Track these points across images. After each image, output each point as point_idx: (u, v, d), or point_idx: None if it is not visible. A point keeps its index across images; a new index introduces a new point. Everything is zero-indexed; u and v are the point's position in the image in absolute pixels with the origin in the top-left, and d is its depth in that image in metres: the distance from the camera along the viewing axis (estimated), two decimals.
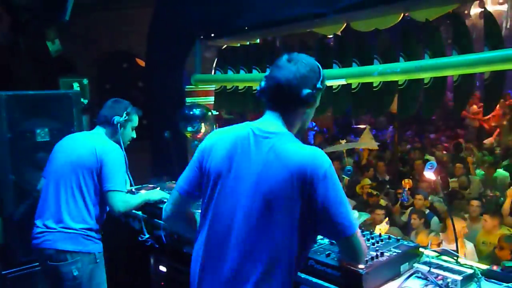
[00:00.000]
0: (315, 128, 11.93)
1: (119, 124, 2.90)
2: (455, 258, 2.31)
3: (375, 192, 5.93)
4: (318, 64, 1.82)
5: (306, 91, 1.73)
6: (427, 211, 5.52)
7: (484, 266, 2.21)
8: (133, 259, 3.60)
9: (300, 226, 1.68)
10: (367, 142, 7.14)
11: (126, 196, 2.83)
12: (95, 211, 2.82)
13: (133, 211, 3.54)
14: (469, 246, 4.50)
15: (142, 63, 8.81)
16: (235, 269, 1.71)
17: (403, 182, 5.85)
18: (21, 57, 6.82)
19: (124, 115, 2.93)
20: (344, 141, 8.07)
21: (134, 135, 3.09)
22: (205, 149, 1.89)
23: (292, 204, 1.66)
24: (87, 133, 3.00)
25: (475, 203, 5.30)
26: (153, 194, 3.23)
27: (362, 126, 11.65)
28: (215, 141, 1.88)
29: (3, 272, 3.55)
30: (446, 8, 3.20)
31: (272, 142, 1.73)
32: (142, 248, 3.40)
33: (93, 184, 2.79)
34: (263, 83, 1.82)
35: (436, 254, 2.38)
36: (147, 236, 3.26)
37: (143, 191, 3.42)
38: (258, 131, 1.78)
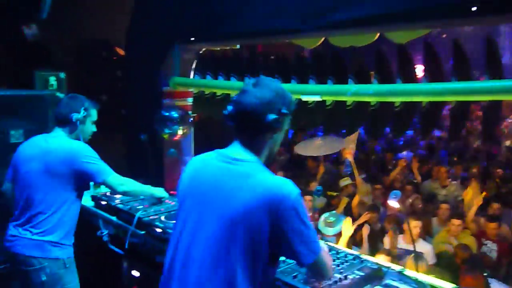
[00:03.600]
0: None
1: (78, 121, 2.90)
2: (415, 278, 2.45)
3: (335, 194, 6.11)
4: (284, 89, 1.84)
5: (271, 116, 1.74)
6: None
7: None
8: (105, 263, 3.65)
9: (262, 251, 1.71)
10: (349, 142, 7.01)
11: (120, 179, 2.94)
12: (66, 217, 2.86)
13: (93, 209, 3.64)
14: (428, 247, 4.68)
15: (122, 52, 8.68)
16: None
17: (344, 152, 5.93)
18: None
19: (82, 111, 2.92)
20: (319, 139, 7.94)
21: (95, 129, 3.09)
22: (179, 182, 1.96)
23: (256, 230, 1.69)
24: (48, 137, 2.94)
25: (444, 206, 5.49)
26: (158, 191, 3.40)
27: None
28: (186, 171, 1.97)
29: None
30: (419, 32, 3.29)
31: (241, 170, 1.77)
32: (114, 253, 3.46)
33: (66, 190, 2.84)
34: (230, 107, 1.83)
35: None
36: (106, 231, 3.44)
37: None
38: (227, 158, 1.82)
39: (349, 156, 6.15)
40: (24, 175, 2.87)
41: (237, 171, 1.77)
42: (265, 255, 1.72)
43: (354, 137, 6.54)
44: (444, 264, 4.49)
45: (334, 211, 4.77)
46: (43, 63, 6.62)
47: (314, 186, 6.19)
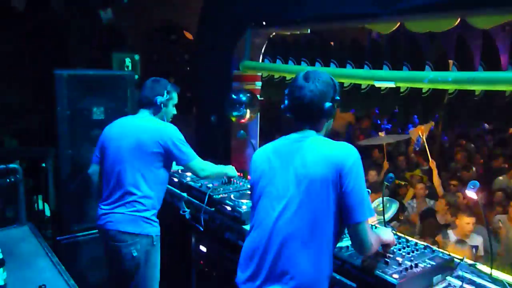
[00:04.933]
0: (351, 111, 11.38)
1: (162, 104, 3.01)
2: (489, 273, 2.38)
3: (403, 183, 5.94)
4: (332, 77, 2.07)
5: (327, 104, 2.00)
6: None
7: None
8: (175, 237, 3.81)
9: (334, 206, 1.91)
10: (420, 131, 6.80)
11: (202, 164, 3.06)
12: (156, 195, 2.96)
13: (178, 191, 3.79)
14: (480, 239, 4.52)
15: (190, 36, 8.90)
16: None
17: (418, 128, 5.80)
18: (73, 28, 7.05)
19: (165, 94, 3.01)
20: (383, 133, 7.79)
21: (175, 111, 3.19)
22: (250, 167, 2.21)
23: (327, 186, 1.89)
24: (135, 118, 3.04)
25: None
26: (230, 169, 3.51)
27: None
28: (254, 158, 2.20)
29: (57, 238, 3.84)
30: (507, 17, 3.11)
31: (308, 141, 2.00)
32: (185, 228, 3.62)
33: (156, 168, 2.93)
34: (286, 101, 2.07)
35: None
36: (188, 210, 3.56)
37: None
38: (292, 139, 2.06)
39: (421, 132, 5.97)
40: (115, 150, 2.94)
41: (306, 142, 2.00)
42: (335, 207, 1.92)
43: (420, 129, 6.36)
44: None
45: (387, 197, 4.64)
46: (119, 45, 6.97)
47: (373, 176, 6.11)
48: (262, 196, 2.07)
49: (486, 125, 9.34)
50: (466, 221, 4.36)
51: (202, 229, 3.35)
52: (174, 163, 3.04)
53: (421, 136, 6.04)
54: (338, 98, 2.05)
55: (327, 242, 1.95)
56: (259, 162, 2.14)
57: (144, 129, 2.93)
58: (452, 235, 4.58)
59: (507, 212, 5.14)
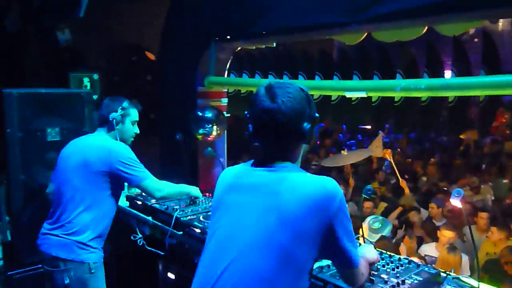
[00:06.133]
0: (321, 125, 11.25)
1: (114, 120, 2.86)
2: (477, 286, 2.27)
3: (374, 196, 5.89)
4: (302, 87, 1.67)
5: (305, 126, 1.60)
6: None
7: None
8: (140, 264, 3.57)
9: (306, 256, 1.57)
10: (374, 150, 6.85)
11: (157, 184, 2.87)
12: (97, 219, 2.76)
13: (142, 215, 3.54)
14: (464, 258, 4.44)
15: (152, 56, 8.72)
16: None
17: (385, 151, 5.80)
18: (29, 47, 6.76)
19: (120, 110, 2.88)
20: (345, 151, 7.66)
21: (137, 130, 3.02)
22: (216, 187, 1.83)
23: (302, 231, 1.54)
24: (88, 137, 2.94)
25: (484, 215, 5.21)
26: (194, 189, 3.29)
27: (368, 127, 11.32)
28: (219, 179, 1.83)
29: (8, 273, 3.51)
30: (473, 24, 3.10)
31: (282, 174, 1.61)
32: (150, 254, 3.37)
33: (100, 189, 2.76)
34: (250, 127, 1.66)
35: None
36: (140, 236, 3.34)
37: None
38: (263, 165, 1.66)
39: (388, 156, 5.94)
40: (62, 170, 2.83)
41: (280, 176, 1.61)
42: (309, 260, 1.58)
43: (378, 141, 6.36)
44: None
45: (379, 216, 4.56)
46: (77, 65, 6.70)
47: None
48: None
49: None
50: (447, 235, 4.29)
51: (163, 254, 3.17)
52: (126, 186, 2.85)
53: (390, 160, 5.99)
54: (316, 115, 1.66)
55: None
56: (226, 188, 1.75)
57: (92, 148, 2.80)
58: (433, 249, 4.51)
59: (475, 223, 5.18)
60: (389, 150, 5.76)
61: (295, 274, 1.54)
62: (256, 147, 1.68)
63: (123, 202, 3.75)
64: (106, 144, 2.81)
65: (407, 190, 5.71)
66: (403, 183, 5.73)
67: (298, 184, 1.57)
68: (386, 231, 3.33)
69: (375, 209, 5.69)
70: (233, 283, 1.53)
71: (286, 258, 1.52)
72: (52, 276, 2.69)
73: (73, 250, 2.67)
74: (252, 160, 1.74)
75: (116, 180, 2.80)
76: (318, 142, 9.49)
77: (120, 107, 2.89)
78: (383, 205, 5.75)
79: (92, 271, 2.70)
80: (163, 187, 2.92)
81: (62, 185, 2.78)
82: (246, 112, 1.70)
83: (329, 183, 1.58)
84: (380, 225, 3.95)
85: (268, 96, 1.59)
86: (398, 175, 5.76)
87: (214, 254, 1.64)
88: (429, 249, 4.60)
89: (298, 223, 1.52)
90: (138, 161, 2.83)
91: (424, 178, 7.08)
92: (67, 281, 2.64)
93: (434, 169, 7.21)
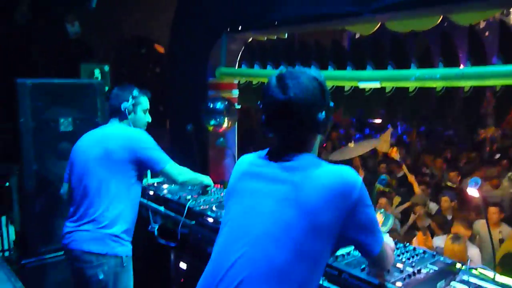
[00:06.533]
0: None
1: (126, 110, 2.82)
2: (493, 277, 2.25)
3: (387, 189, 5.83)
4: (315, 75, 1.59)
5: (320, 117, 1.56)
6: None
7: None
8: (152, 254, 3.57)
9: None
10: (382, 144, 6.72)
11: (179, 168, 2.82)
12: (126, 209, 2.71)
13: (154, 205, 3.55)
14: (474, 251, 4.40)
15: (160, 49, 8.71)
16: None
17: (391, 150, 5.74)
18: (40, 39, 6.78)
19: (131, 99, 2.83)
20: (352, 143, 7.53)
21: (149, 119, 2.98)
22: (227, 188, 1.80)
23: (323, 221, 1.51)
24: (104, 128, 2.88)
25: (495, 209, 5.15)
26: (206, 178, 3.21)
27: (377, 121, 11.26)
28: (235, 167, 1.79)
29: (22, 262, 3.53)
30: (489, 12, 3.05)
31: (298, 164, 1.58)
32: (162, 244, 3.38)
33: (126, 178, 2.70)
34: (264, 117, 1.62)
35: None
36: (156, 225, 3.34)
37: None
38: (278, 155, 1.63)
39: (394, 155, 5.87)
40: (82, 163, 2.72)
41: (297, 166, 1.58)
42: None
43: (386, 135, 6.29)
44: None
45: (382, 209, 4.53)
46: (86, 57, 6.72)
47: None
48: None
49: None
50: (463, 233, 4.25)
51: (173, 245, 3.17)
52: (149, 174, 2.82)
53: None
54: (331, 104, 1.60)
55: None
56: (240, 175, 1.72)
57: (112, 137, 2.72)
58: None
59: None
60: (395, 148, 5.68)
61: (309, 266, 1.52)
62: (271, 137, 1.65)
63: None
64: (125, 132, 2.76)
65: (416, 185, 5.64)
66: (411, 179, 5.69)
67: (316, 175, 1.53)
68: (389, 225, 3.31)
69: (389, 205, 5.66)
70: (246, 272, 1.51)
71: (301, 250, 1.50)
72: (82, 273, 2.58)
73: (107, 243, 2.59)
74: (267, 149, 1.71)
75: (140, 167, 2.74)
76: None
77: (131, 96, 2.84)
78: (397, 199, 5.70)
79: (124, 264, 2.65)
80: (183, 171, 2.87)
81: (85, 178, 2.67)
82: (258, 103, 1.65)
83: (347, 173, 1.55)
84: (383, 218, 3.92)
85: (280, 88, 1.55)
86: (406, 171, 5.68)
87: (227, 242, 1.62)
88: (440, 242, 4.56)
89: (317, 216, 1.49)
90: (159, 147, 2.79)
91: (435, 171, 7.03)
92: (101, 276, 2.56)
93: (444, 162, 7.16)
